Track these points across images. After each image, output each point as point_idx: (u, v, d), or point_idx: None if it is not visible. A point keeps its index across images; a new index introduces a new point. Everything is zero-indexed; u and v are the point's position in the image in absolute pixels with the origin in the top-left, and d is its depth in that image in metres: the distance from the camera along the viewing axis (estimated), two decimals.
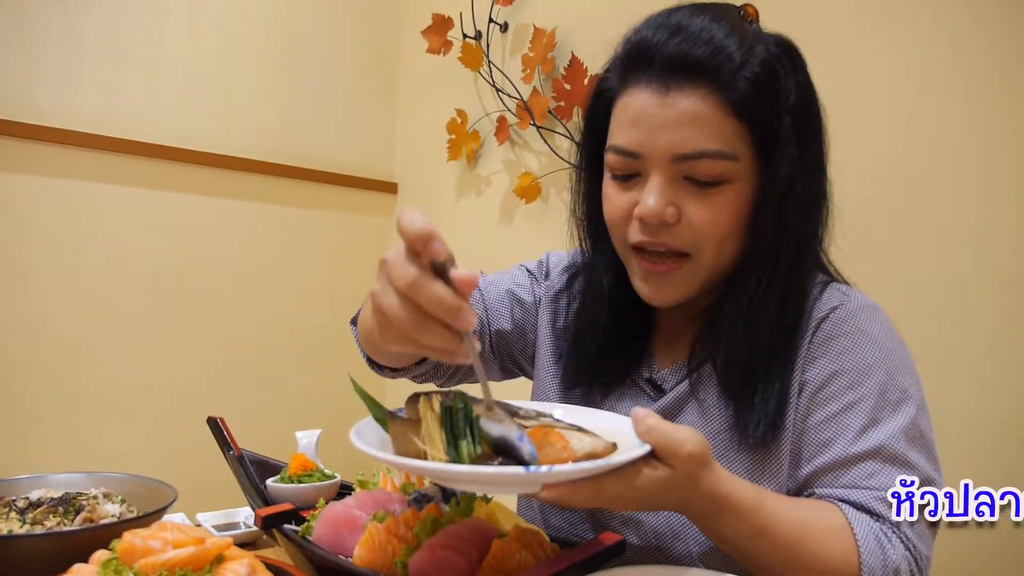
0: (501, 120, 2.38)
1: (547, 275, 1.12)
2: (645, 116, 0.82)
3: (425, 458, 0.65)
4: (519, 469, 0.59)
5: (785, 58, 0.84)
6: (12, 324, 1.99)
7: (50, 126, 2.02)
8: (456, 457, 0.64)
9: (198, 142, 2.33)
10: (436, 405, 0.66)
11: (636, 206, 0.85)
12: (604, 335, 0.96)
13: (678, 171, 0.83)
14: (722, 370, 0.88)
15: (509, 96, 2.35)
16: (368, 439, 0.67)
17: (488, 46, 2.40)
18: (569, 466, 0.60)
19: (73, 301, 2.09)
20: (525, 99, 2.28)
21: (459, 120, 2.49)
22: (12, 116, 1.96)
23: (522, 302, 1.09)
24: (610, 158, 0.87)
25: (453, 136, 2.51)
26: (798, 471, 0.86)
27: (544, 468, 0.60)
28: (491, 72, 2.40)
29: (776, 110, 0.82)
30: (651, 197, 0.83)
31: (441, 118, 2.54)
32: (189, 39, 2.30)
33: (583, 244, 1.01)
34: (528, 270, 1.13)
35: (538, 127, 2.24)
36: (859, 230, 1.53)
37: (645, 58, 0.83)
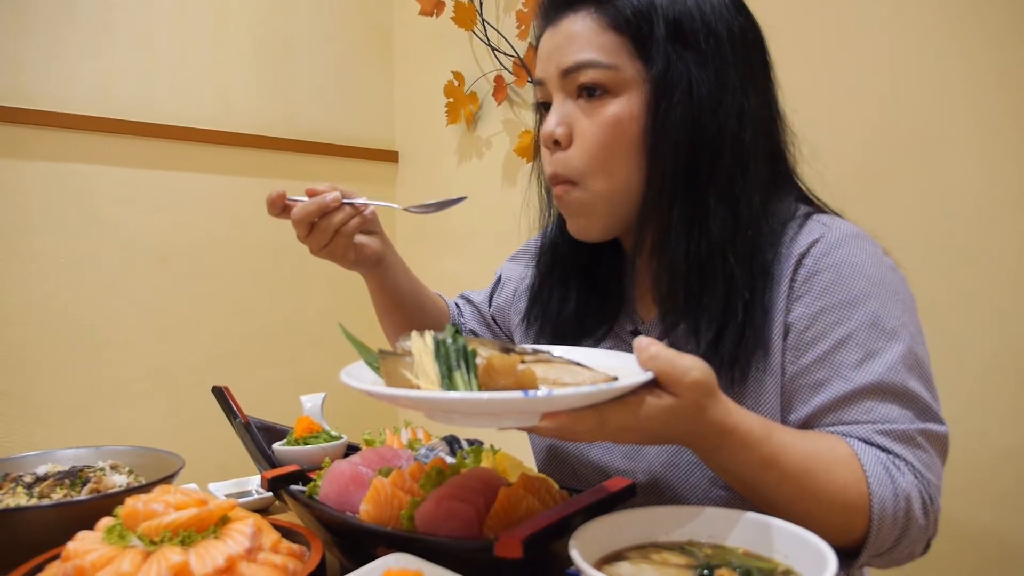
0: (498, 79, 2.34)
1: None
2: (544, 47, 0.91)
3: None
4: (517, 394, 0.57)
5: None
6: (20, 310, 1.99)
7: (44, 110, 2.00)
8: (451, 388, 0.62)
9: (195, 120, 2.30)
10: (428, 340, 0.65)
11: None
12: (570, 282, 1.00)
13: (569, 89, 0.88)
14: (662, 304, 0.88)
15: (505, 55, 2.31)
16: (360, 379, 0.66)
17: (481, 4, 2.35)
18: (571, 390, 0.58)
19: (80, 285, 2.09)
20: (521, 56, 2.23)
21: (456, 83, 2.45)
22: (4, 101, 1.94)
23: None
24: (534, 94, 0.95)
25: (451, 99, 2.47)
26: (795, 415, 0.83)
27: (543, 392, 0.57)
28: (485, 31, 2.35)
29: (650, 17, 0.85)
30: (548, 119, 0.89)
31: (438, 82, 2.50)
32: (181, 16, 2.27)
33: (541, 194, 1.05)
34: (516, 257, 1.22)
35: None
36: (857, 175, 1.50)
37: (544, 4, 0.93)
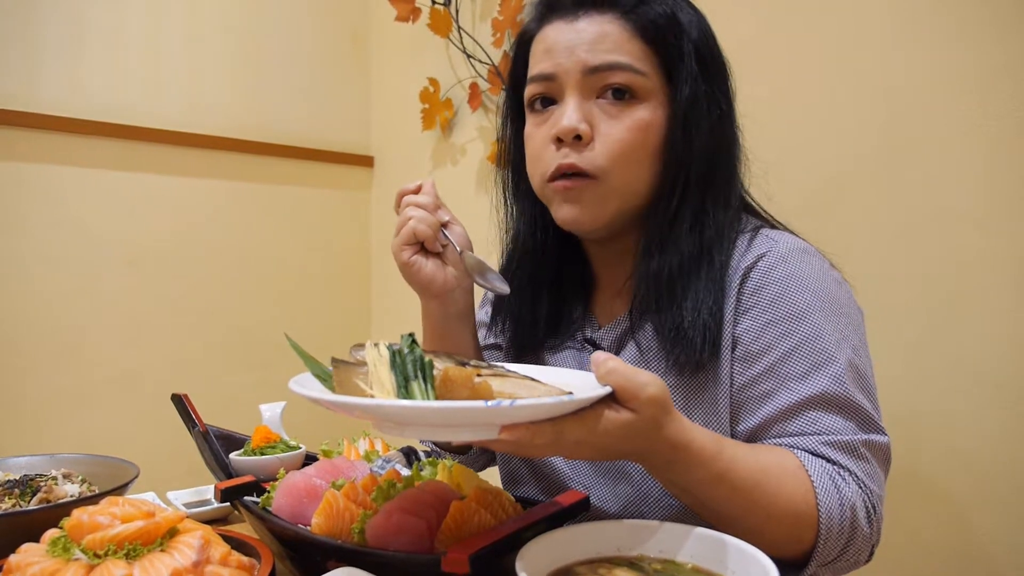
0: (473, 86, 2.34)
1: None
2: (558, 42, 0.88)
3: None
4: (479, 404, 0.56)
5: (684, 3, 0.91)
6: None
7: (11, 109, 1.97)
8: (408, 398, 0.61)
9: (166, 121, 2.28)
10: (383, 350, 0.64)
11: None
12: (529, 287, 1.00)
13: (591, 86, 0.87)
14: (643, 290, 0.89)
15: (480, 62, 2.31)
16: (310, 388, 0.65)
17: (457, 11, 2.35)
18: (532, 400, 0.57)
19: (46, 287, 2.06)
20: (496, 64, 2.24)
21: (431, 89, 2.45)
22: None
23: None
24: (529, 90, 0.92)
25: (426, 105, 2.47)
26: (742, 426, 0.85)
27: (506, 403, 0.56)
28: (461, 38, 2.35)
29: (679, 36, 0.87)
30: (567, 114, 0.86)
31: (414, 88, 2.50)
32: (152, 15, 2.25)
33: (507, 201, 1.04)
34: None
35: None
36: (844, 192, 1.52)
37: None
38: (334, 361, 0.68)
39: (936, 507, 1.39)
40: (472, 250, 0.99)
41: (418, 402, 0.59)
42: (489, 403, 0.56)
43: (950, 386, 1.38)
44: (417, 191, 0.98)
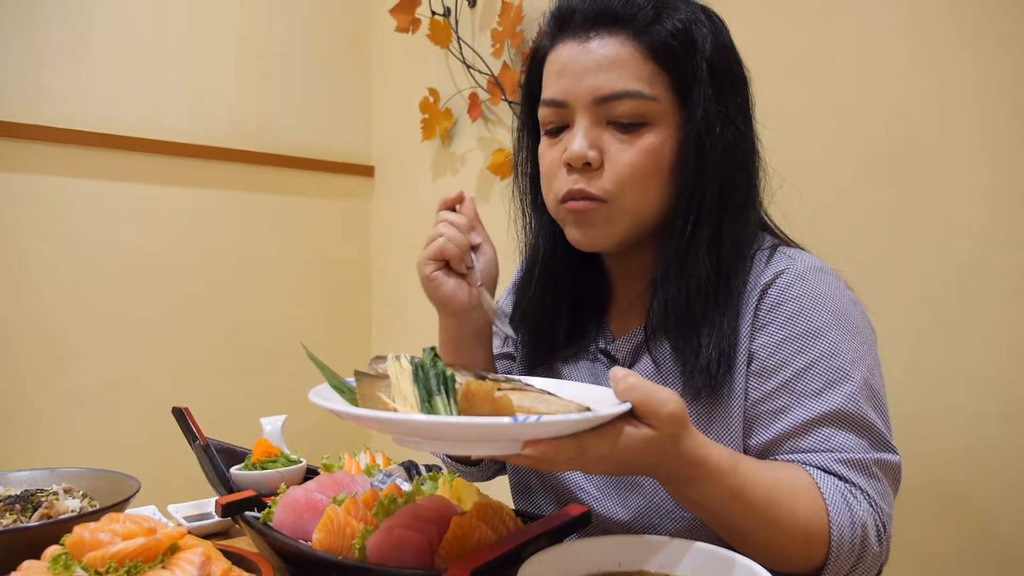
0: (473, 97, 2.34)
1: None
2: (569, 65, 0.87)
3: None
4: (506, 420, 0.56)
5: (703, 15, 0.88)
6: None
7: (11, 121, 1.98)
8: (431, 412, 0.61)
9: (167, 132, 2.28)
10: (405, 363, 0.64)
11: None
12: (549, 298, 0.98)
13: (601, 115, 0.86)
14: (660, 314, 0.88)
15: (480, 72, 2.32)
16: (331, 400, 0.65)
17: (457, 22, 2.36)
18: (559, 417, 0.57)
19: (46, 297, 2.06)
20: (496, 74, 2.25)
21: (431, 99, 2.46)
22: None
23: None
24: (542, 113, 0.91)
25: (426, 115, 2.47)
26: (755, 440, 0.85)
27: (533, 418, 0.56)
28: (461, 49, 2.36)
29: (692, 56, 0.86)
30: (575, 141, 0.86)
31: (414, 98, 2.50)
32: (153, 26, 2.26)
33: (525, 212, 1.03)
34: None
35: (510, 102, 2.21)
36: (848, 198, 1.52)
37: (567, 15, 0.89)
38: (357, 374, 0.69)
39: (936, 516, 1.39)
40: (498, 270, 0.99)
41: (447, 418, 0.59)
42: (516, 419, 0.56)
43: (950, 395, 1.38)
44: (459, 200, 0.98)
